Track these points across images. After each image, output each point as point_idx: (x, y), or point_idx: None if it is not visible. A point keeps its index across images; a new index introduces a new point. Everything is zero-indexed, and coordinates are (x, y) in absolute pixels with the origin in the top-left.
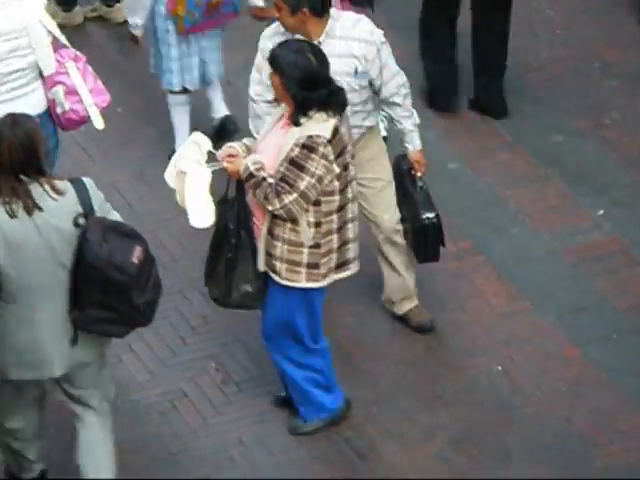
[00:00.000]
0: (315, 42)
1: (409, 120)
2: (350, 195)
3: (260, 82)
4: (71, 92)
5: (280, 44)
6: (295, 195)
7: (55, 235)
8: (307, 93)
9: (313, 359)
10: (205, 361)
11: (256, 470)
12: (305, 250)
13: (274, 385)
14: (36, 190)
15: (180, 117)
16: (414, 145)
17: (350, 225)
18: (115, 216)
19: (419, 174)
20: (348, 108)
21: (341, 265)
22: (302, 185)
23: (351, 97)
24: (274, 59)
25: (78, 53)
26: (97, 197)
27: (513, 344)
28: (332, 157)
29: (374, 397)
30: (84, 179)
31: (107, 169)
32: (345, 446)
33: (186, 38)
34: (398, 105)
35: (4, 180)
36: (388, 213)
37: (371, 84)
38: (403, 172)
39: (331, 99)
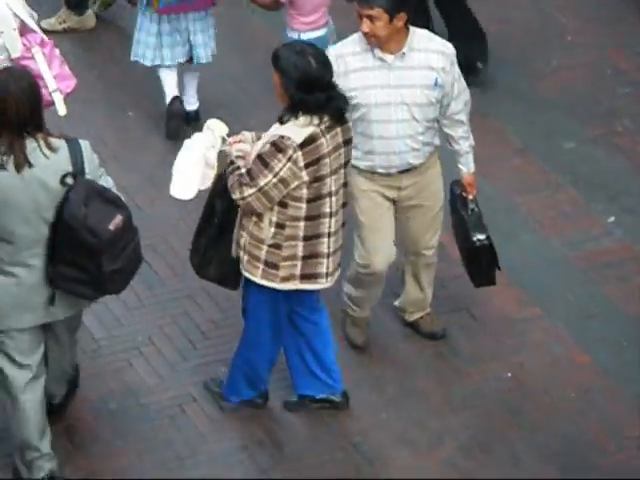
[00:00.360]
0: (399, 54)
1: (467, 142)
2: (328, 209)
3: None
4: (36, 77)
5: (284, 44)
6: (254, 190)
7: (41, 191)
8: (304, 95)
9: (256, 348)
10: (215, 366)
11: (265, 475)
12: (264, 247)
13: (284, 390)
14: (30, 145)
15: (166, 73)
16: (468, 167)
17: (326, 239)
18: (107, 182)
19: (470, 197)
20: (423, 123)
21: (309, 276)
22: (262, 182)
23: (427, 111)
24: (276, 58)
25: (45, 38)
26: (91, 160)
27: (523, 350)
28: (302, 164)
29: (383, 402)
30: (80, 140)
31: (118, 173)
32: (354, 451)
33: (168, 17)
34: (461, 124)
35: (5, 134)
36: (435, 238)
37: (442, 99)
38: (456, 196)
39: (329, 104)
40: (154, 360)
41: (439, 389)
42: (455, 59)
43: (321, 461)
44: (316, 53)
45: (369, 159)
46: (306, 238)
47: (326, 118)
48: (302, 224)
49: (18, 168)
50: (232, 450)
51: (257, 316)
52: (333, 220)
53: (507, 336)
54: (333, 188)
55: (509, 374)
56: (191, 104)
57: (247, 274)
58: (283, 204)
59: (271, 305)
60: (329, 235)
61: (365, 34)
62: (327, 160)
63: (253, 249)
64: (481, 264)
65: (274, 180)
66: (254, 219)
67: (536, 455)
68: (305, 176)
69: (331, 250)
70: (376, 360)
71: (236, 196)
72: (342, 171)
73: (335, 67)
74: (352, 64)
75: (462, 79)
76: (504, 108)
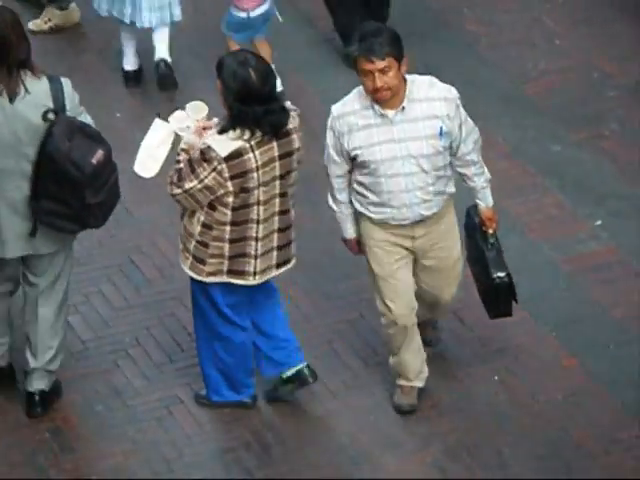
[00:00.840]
0: (399, 108)
1: (482, 177)
2: (255, 217)
3: (333, 161)
4: None
5: (230, 53)
6: (180, 191)
7: (22, 125)
8: (242, 107)
9: (219, 345)
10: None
11: (251, 477)
12: (193, 241)
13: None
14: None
15: (125, 35)
16: (486, 202)
17: (253, 242)
18: (87, 119)
19: (490, 231)
20: (433, 173)
21: (236, 273)
22: (187, 185)
23: (435, 161)
24: (220, 65)
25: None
26: (71, 97)
27: (510, 354)
28: (227, 175)
29: (370, 405)
30: (62, 78)
31: None
32: (341, 454)
33: None
34: (474, 163)
35: (4, 67)
36: (452, 289)
37: (451, 144)
38: (475, 225)
39: (265, 118)
40: (141, 361)
41: (426, 392)
42: (459, 102)
43: (308, 463)
44: (258, 65)
45: (381, 212)
46: (232, 241)
47: (258, 133)
48: (228, 228)
49: (12, 97)
50: (219, 452)
51: (199, 306)
52: (261, 227)
53: (494, 340)
54: (262, 198)
55: (496, 377)
56: (159, 53)
57: (181, 263)
58: (212, 207)
59: (211, 296)
60: (256, 239)
61: (377, 90)
62: (255, 174)
63: (185, 241)
64: (498, 299)
65: (199, 186)
66: (188, 212)
67: (523, 458)
68: (230, 187)
69: (259, 252)
70: (363, 363)
71: (168, 191)
72: (277, 182)
73: (338, 127)
74: (355, 123)
75: (469, 119)
76: (491, 111)
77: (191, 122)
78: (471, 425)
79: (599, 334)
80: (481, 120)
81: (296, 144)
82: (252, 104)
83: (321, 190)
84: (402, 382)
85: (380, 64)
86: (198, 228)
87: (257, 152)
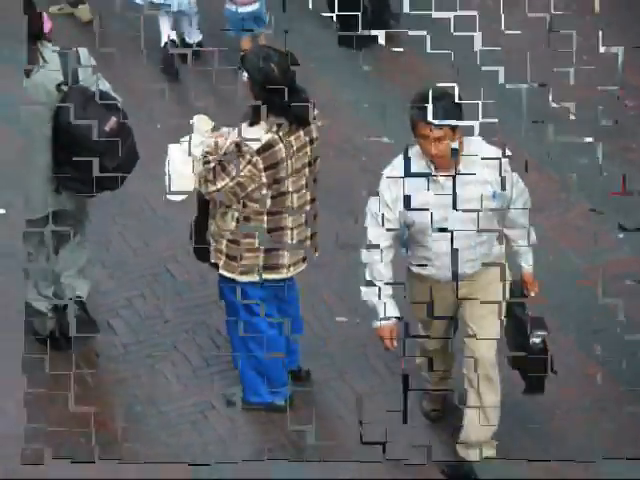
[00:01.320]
0: (452, 171)
1: (526, 241)
2: (289, 204)
3: (378, 225)
4: None
5: (253, 49)
6: (216, 188)
7: (42, 93)
8: (268, 95)
9: (253, 342)
10: (236, 372)
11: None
12: (224, 241)
13: (303, 393)
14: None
15: (162, 19)
16: (528, 264)
17: (289, 232)
18: (104, 85)
19: (532, 294)
20: (482, 236)
21: (271, 267)
22: (222, 183)
23: (484, 224)
24: (243, 60)
25: None
26: (85, 67)
27: None
28: (261, 166)
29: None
30: (79, 48)
31: (140, 182)
32: (375, 455)
33: None
34: (522, 226)
35: (32, 46)
36: (490, 332)
37: (501, 206)
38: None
39: (290, 108)
40: (179, 366)
41: (450, 398)
42: (508, 165)
43: (343, 465)
44: (279, 60)
45: (423, 268)
46: (269, 231)
47: (285, 123)
48: (265, 218)
49: (32, 69)
50: (251, 456)
51: (230, 304)
52: (296, 214)
53: None
54: (292, 188)
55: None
56: (192, 37)
57: (214, 260)
58: (247, 199)
59: (245, 296)
60: (292, 228)
61: (433, 156)
62: (286, 163)
63: (217, 241)
64: (533, 362)
65: (233, 182)
66: (220, 211)
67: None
68: (264, 178)
69: (294, 243)
70: (389, 369)
71: (202, 190)
72: (306, 170)
73: (392, 191)
74: (406, 187)
75: (520, 181)
76: (518, 123)
77: (201, 137)
78: (497, 432)
79: (624, 343)
80: (507, 132)
81: (315, 133)
82: (275, 95)
83: (356, 198)
84: (429, 385)
85: (437, 133)
86: (233, 224)
87: (286, 141)
